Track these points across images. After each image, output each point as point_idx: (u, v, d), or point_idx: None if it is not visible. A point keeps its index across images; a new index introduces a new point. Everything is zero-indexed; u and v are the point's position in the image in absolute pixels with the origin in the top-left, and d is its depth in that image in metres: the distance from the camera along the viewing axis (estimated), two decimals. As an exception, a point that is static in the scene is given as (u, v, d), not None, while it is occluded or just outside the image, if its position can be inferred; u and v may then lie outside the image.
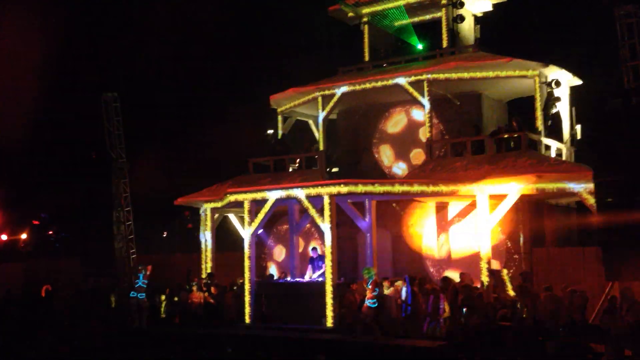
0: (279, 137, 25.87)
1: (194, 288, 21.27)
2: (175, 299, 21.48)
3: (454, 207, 21.48)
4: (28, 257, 28.79)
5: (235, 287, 21.37)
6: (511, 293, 18.45)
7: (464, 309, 16.69)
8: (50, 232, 39.21)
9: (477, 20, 24.62)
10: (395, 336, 17.25)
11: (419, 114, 23.40)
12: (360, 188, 19.18)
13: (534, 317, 15.57)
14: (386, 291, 18.51)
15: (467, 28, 23.97)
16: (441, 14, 23.56)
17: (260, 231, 22.19)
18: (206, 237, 23.42)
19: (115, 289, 22.30)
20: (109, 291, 21.69)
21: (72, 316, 20.59)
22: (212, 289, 21.22)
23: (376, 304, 17.53)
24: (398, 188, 19.52)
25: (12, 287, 22.22)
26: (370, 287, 17.68)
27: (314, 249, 21.77)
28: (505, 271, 18.54)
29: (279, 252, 24.86)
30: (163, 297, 21.82)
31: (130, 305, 20.73)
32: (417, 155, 23.50)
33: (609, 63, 29.58)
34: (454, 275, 19.52)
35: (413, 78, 21.98)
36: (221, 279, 22.70)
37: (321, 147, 23.89)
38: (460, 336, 16.20)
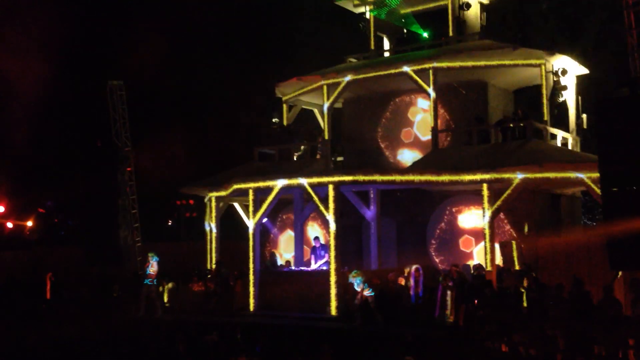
0: (284, 125, 25.84)
1: (194, 277, 21.31)
2: (170, 285, 21.42)
3: (459, 196, 21.44)
4: (34, 245, 28.91)
5: (240, 276, 21.38)
6: (517, 266, 18.37)
7: (475, 301, 16.67)
8: (56, 220, 39.33)
9: (484, 8, 24.48)
10: (400, 324, 17.23)
11: (425, 103, 23.33)
12: (365, 178, 19.13)
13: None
14: (401, 281, 18.55)
15: (474, 16, 23.82)
16: (447, 1, 23.43)
17: (265, 220, 22.18)
18: (211, 226, 23.42)
19: (120, 277, 22.34)
20: (113, 279, 21.71)
21: (77, 304, 20.65)
22: (215, 278, 21.23)
23: (373, 293, 17.55)
24: (403, 177, 19.46)
25: (17, 275, 22.31)
26: (361, 287, 17.70)
27: (316, 238, 21.75)
28: (514, 243, 18.46)
29: (283, 241, 24.88)
30: (169, 285, 21.81)
31: (141, 293, 20.75)
32: (423, 144, 23.44)
33: (616, 52, 29.48)
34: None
35: (418, 66, 21.86)
36: (226, 267, 22.72)
37: (326, 136, 23.85)
38: (464, 326, 16.21)
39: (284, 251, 24.68)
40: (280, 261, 23.35)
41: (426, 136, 23.07)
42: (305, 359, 15.00)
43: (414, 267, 18.51)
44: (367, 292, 17.65)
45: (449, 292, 17.37)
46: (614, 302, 14.48)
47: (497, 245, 19.54)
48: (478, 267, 18.80)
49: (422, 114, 23.71)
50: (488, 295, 16.28)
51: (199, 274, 21.79)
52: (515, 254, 19.10)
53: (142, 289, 20.61)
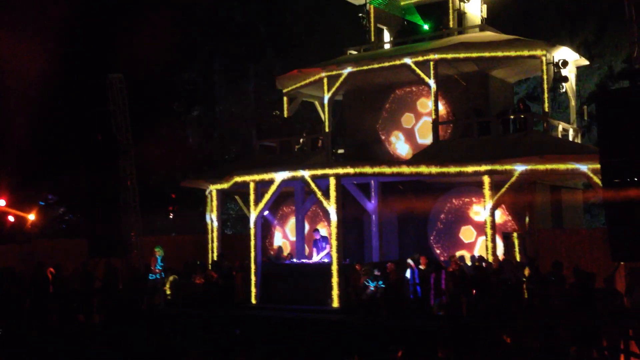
0: (285, 118, 25.84)
1: (198, 269, 21.36)
2: (171, 278, 21.45)
3: (460, 188, 21.45)
4: (35, 238, 28.91)
5: (242, 268, 21.40)
6: (518, 257, 18.38)
7: (474, 291, 16.72)
8: (58, 214, 39.33)
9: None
10: (403, 317, 17.29)
11: (425, 95, 23.32)
12: (366, 170, 19.16)
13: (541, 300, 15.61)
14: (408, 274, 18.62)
15: (474, 8, 23.79)
16: (447, -7, 23.40)
17: (266, 212, 22.21)
18: (212, 219, 23.45)
19: (122, 270, 22.33)
20: (116, 272, 21.72)
21: (79, 297, 20.69)
22: (214, 271, 21.25)
23: (383, 284, 17.60)
24: (404, 169, 19.48)
25: (19, 268, 22.31)
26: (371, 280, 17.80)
27: (316, 230, 21.78)
28: (515, 234, 18.51)
29: (284, 233, 24.91)
30: (171, 278, 21.82)
31: (146, 287, 20.83)
32: (423, 136, 23.46)
33: (617, 43, 29.48)
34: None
35: (419, 58, 21.83)
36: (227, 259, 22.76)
37: (327, 128, 23.86)
38: (465, 317, 16.27)
39: (290, 235, 24.60)
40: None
41: (427, 127, 23.00)
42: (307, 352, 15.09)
43: (409, 259, 18.60)
44: (378, 285, 17.69)
45: (444, 283, 17.44)
46: (615, 294, 14.54)
47: (498, 238, 19.57)
48: (479, 258, 18.84)
49: (422, 105, 23.69)
50: (494, 284, 16.34)
51: (202, 266, 21.82)
52: (517, 245, 19.13)
53: (148, 283, 20.72)
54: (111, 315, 20.53)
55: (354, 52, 25.19)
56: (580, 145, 21.37)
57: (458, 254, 19.95)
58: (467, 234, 21.38)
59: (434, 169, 19.40)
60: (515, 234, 18.43)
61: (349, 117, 25.61)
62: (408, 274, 18.43)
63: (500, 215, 20.44)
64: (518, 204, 20.31)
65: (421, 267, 18.36)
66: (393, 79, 23.60)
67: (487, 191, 19.41)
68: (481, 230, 20.28)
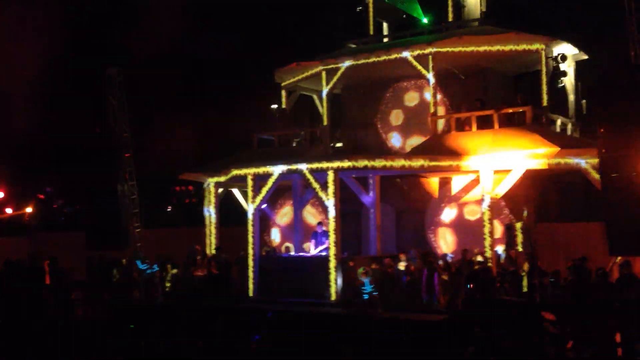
0: (283, 111, 25.79)
1: (198, 261, 21.39)
2: (174, 271, 21.49)
3: (458, 182, 21.43)
4: (33, 231, 28.94)
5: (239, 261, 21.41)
6: (520, 248, 18.29)
7: (469, 285, 16.71)
8: (55, 206, 39.37)
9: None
10: (398, 310, 17.30)
11: (424, 89, 23.28)
12: (363, 163, 19.14)
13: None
14: (401, 265, 18.61)
15: (473, 1, 23.72)
16: (447, -14, 23.34)
17: (264, 206, 22.20)
18: (210, 212, 23.46)
19: (119, 262, 22.36)
20: (113, 265, 21.75)
21: (77, 289, 20.74)
22: (213, 263, 21.26)
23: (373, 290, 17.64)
24: (401, 163, 19.46)
25: (17, 261, 22.35)
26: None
27: (319, 223, 21.77)
28: (519, 225, 18.48)
29: (282, 227, 24.90)
30: (174, 271, 21.83)
31: (142, 279, 20.88)
32: (422, 130, 23.40)
33: (616, 38, 29.40)
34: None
35: (418, 52, 21.79)
36: (225, 252, 22.76)
37: (325, 122, 23.82)
38: (461, 311, 16.29)
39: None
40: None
41: (425, 121, 22.96)
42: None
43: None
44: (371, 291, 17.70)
45: (436, 277, 17.45)
46: (612, 287, 14.56)
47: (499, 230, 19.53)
48: (477, 252, 18.85)
49: (421, 99, 23.66)
50: (488, 279, 16.36)
51: (202, 259, 21.84)
52: (520, 236, 18.95)
53: (144, 276, 20.77)
54: (106, 308, 20.55)
55: (353, 46, 25.13)
56: (578, 140, 21.35)
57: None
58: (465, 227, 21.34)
59: (432, 163, 19.38)
60: (519, 224, 18.37)
61: (348, 110, 25.57)
62: (403, 266, 18.47)
63: (499, 210, 20.41)
64: (516, 198, 20.30)
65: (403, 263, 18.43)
66: (392, 73, 23.55)
67: (485, 185, 19.39)
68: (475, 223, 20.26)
